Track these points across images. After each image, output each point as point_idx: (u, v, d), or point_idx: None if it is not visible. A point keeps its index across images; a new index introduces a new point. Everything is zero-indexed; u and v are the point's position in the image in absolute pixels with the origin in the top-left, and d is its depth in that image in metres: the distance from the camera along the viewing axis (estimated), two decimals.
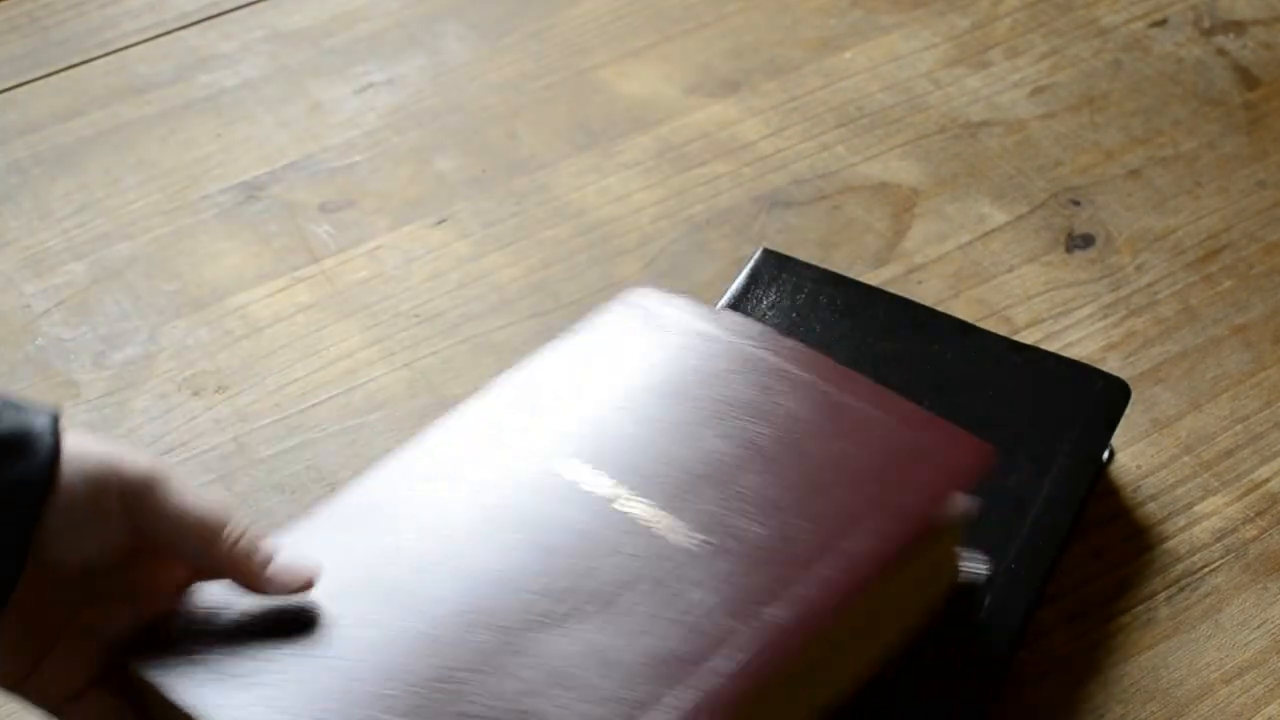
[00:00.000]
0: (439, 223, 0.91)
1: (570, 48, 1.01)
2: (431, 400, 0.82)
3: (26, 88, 0.98)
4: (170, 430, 0.81)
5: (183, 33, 1.01)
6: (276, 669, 0.58)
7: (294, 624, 0.60)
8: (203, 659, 0.59)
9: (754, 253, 0.83)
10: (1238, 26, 1.04)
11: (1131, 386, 0.78)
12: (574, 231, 0.91)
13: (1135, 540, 0.78)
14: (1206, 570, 0.77)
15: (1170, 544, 0.78)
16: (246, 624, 0.60)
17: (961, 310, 0.87)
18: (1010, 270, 0.90)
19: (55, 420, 0.58)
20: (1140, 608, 0.75)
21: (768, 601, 0.58)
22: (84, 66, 0.99)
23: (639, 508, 0.62)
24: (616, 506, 0.62)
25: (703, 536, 0.61)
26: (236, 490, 0.78)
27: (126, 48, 1.00)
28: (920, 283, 0.89)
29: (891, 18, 1.04)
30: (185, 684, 0.58)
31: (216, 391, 0.82)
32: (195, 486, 0.60)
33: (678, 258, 0.90)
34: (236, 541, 0.60)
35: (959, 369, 0.78)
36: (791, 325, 0.80)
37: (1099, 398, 0.77)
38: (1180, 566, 0.77)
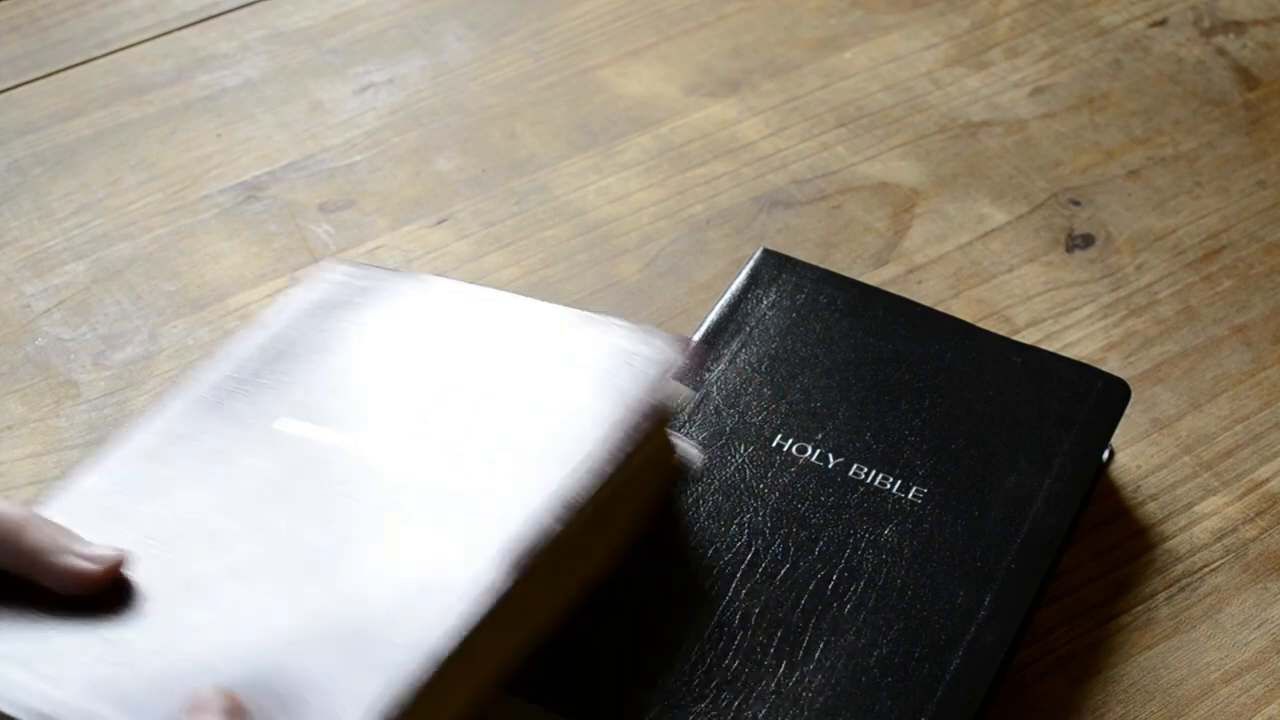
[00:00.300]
0: (439, 223, 0.91)
1: (570, 48, 1.01)
2: None
3: (26, 88, 0.98)
4: None
5: (183, 33, 1.01)
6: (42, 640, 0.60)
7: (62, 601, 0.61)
8: None
9: (754, 253, 0.83)
10: (1238, 26, 1.04)
11: (1131, 386, 0.78)
12: (574, 231, 0.91)
13: (1135, 540, 0.78)
14: (1206, 570, 0.77)
15: (1170, 544, 0.78)
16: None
17: (961, 310, 0.87)
18: (1010, 270, 0.90)
19: None
20: (1140, 608, 0.75)
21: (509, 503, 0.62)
22: (84, 66, 0.99)
23: (373, 452, 0.65)
24: (352, 452, 0.66)
25: (446, 462, 0.64)
26: None
27: (126, 48, 1.00)
28: (920, 283, 0.89)
29: (891, 18, 1.04)
30: None
31: None
32: None
33: (678, 258, 0.90)
34: (39, 531, 0.62)
35: (959, 369, 0.78)
36: (791, 325, 0.80)
37: (1099, 398, 0.77)
38: (1180, 566, 0.77)
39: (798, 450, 0.74)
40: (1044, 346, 0.82)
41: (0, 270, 0.88)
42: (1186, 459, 0.81)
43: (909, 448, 0.75)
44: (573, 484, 0.62)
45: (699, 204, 0.92)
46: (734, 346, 0.79)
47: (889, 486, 0.73)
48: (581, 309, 0.86)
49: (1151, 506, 0.79)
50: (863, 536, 0.71)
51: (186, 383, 0.71)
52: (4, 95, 0.97)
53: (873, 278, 0.88)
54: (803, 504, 0.72)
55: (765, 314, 0.80)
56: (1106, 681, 0.73)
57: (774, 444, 0.75)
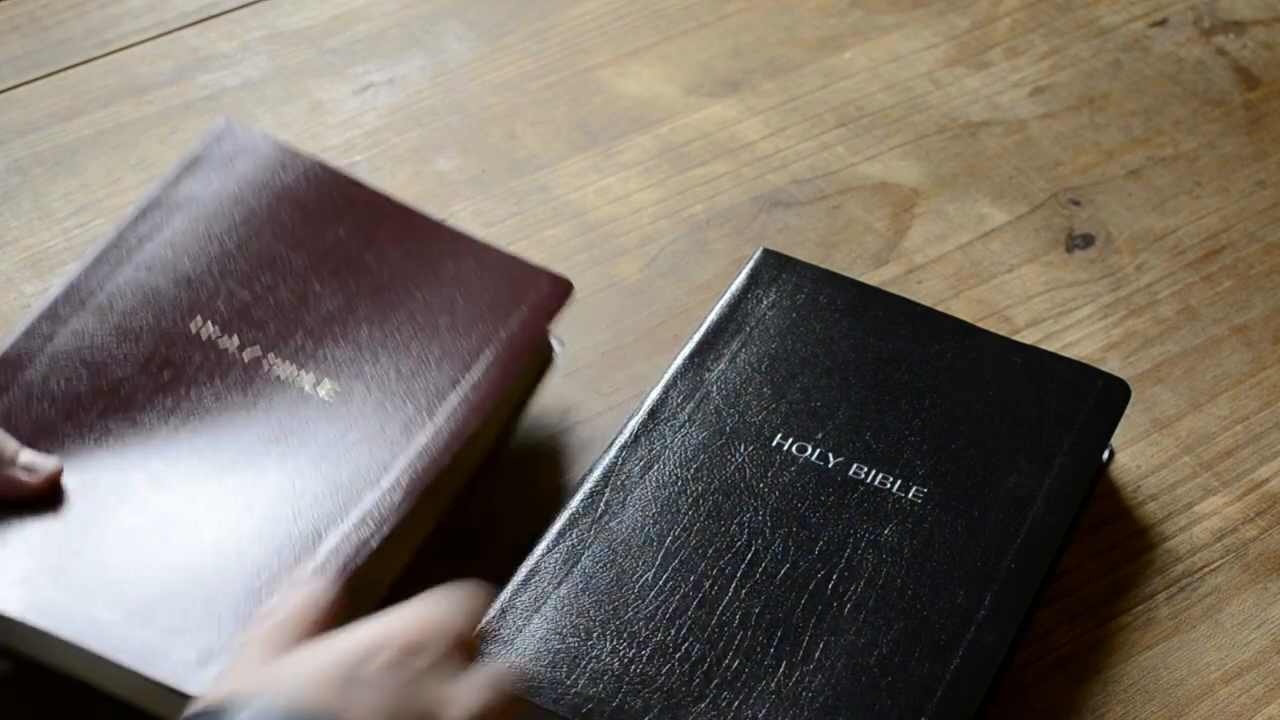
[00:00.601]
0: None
1: (570, 48, 1.01)
2: None
3: (26, 88, 0.98)
4: None
5: (183, 33, 1.01)
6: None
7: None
8: None
9: (754, 252, 0.83)
10: (1238, 26, 1.04)
11: (1131, 386, 0.78)
12: (574, 231, 0.91)
13: (1135, 540, 0.78)
14: (1206, 570, 0.77)
15: (1170, 544, 0.78)
16: None
17: (961, 310, 0.87)
18: (1010, 270, 0.90)
19: None
20: (1140, 608, 0.75)
21: (411, 432, 0.71)
22: (84, 66, 0.99)
23: (280, 367, 0.73)
24: (260, 367, 0.73)
25: (339, 385, 0.73)
26: None
27: (126, 48, 1.00)
28: (920, 283, 0.89)
29: (891, 18, 1.04)
30: None
31: None
32: None
33: (678, 258, 0.90)
34: None
35: (959, 369, 0.78)
36: (791, 325, 0.80)
37: (1099, 398, 0.77)
38: (1180, 566, 0.77)
39: (798, 449, 0.74)
40: (1044, 346, 0.83)
41: (0, 270, 0.88)
42: (1186, 459, 0.81)
43: (909, 447, 0.75)
44: (462, 418, 0.72)
45: (699, 204, 0.92)
46: (734, 346, 0.79)
47: (889, 486, 0.73)
48: (580, 309, 0.86)
49: (1151, 506, 0.79)
50: (863, 536, 0.71)
51: None
52: (4, 95, 0.97)
53: (873, 278, 0.88)
54: (803, 503, 0.72)
55: (765, 314, 0.80)
56: (1106, 681, 0.73)
57: (774, 443, 0.75)
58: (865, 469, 0.74)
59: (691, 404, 0.76)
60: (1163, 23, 1.04)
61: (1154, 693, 0.72)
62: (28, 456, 0.69)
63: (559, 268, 0.88)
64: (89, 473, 0.69)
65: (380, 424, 0.72)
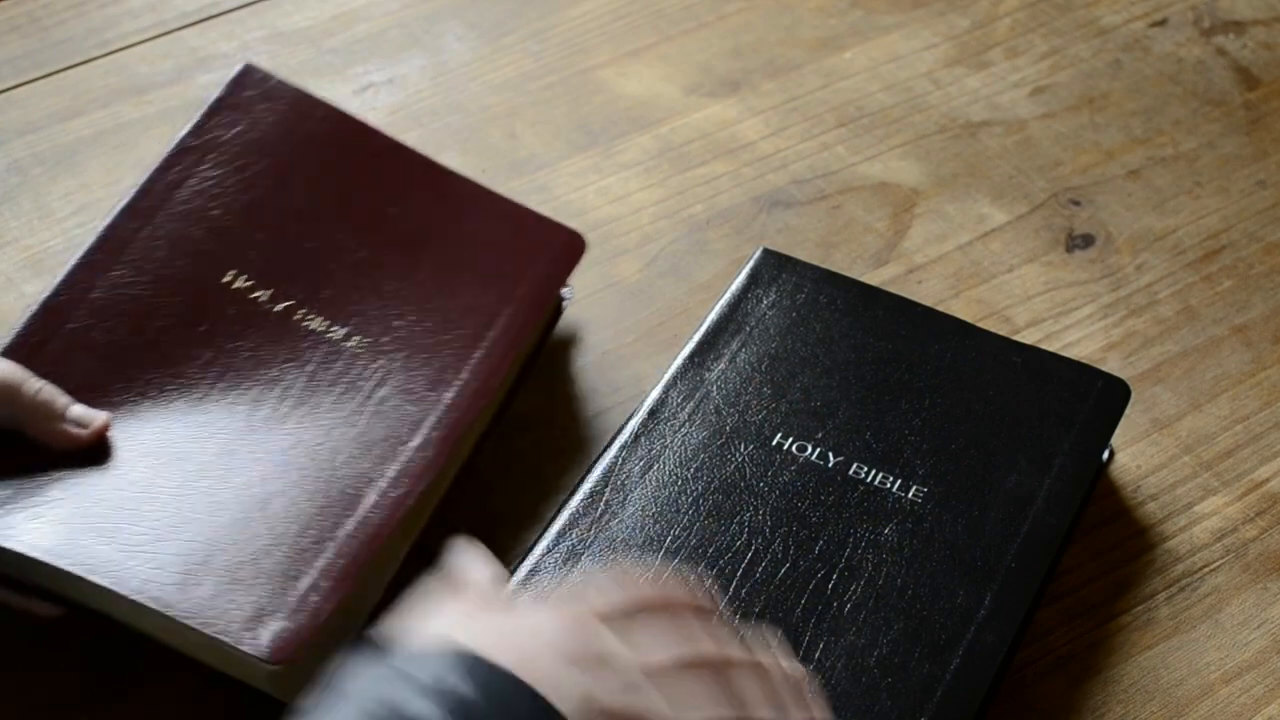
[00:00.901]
0: None
1: (570, 48, 1.01)
2: None
3: (26, 88, 0.98)
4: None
5: (183, 33, 1.01)
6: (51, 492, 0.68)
7: (62, 459, 0.70)
8: None
9: (754, 252, 0.83)
10: (1238, 26, 1.04)
11: (1131, 386, 0.78)
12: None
13: (1135, 540, 0.78)
14: (1206, 570, 0.77)
15: (1170, 544, 0.78)
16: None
17: (961, 310, 0.87)
18: (1010, 270, 0.90)
19: None
20: (1140, 608, 0.75)
21: (439, 389, 0.73)
22: (84, 66, 0.99)
23: (312, 320, 0.75)
24: (292, 319, 0.75)
25: (369, 339, 0.74)
26: None
27: (126, 48, 1.00)
28: (920, 283, 0.89)
29: (891, 18, 1.04)
30: None
31: None
32: None
33: (678, 258, 0.90)
34: (38, 393, 0.70)
35: (959, 369, 0.78)
36: (792, 324, 0.80)
37: (1099, 398, 0.77)
38: (1180, 566, 0.77)
39: (798, 449, 0.74)
40: (1044, 346, 0.82)
41: (0, 270, 0.88)
42: (1186, 459, 0.81)
43: (909, 447, 0.75)
44: (486, 373, 0.74)
45: (699, 204, 0.92)
46: (734, 346, 0.79)
47: (889, 486, 0.73)
48: (580, 309, 0.86)
49: (1151, 506, 0.79)
50: (863, 536, 0.71)
51: None
52: (4, 95, 0.97)
53: (873, 278, 0.88)
54: (803, 503, 0.72)
55: (765, 313, 0.80)
56: (1106, 681, 0.73)
57: (774, 443, 0.75)
58: (865, 468, 0.74)
59: (691, 404, 0.76)
60: (1163, 23, 1.04)
61: (1154, 693, 0.72)
62: (78, 410, 0.70)
63: None
64: (134, 426, 0.71)
65: (409, 379, 0.73)
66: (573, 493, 0.73)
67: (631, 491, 0.73)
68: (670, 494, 0.73)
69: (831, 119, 0.97)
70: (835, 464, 0.74)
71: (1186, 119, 0.98)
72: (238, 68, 0.83)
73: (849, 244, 0.91)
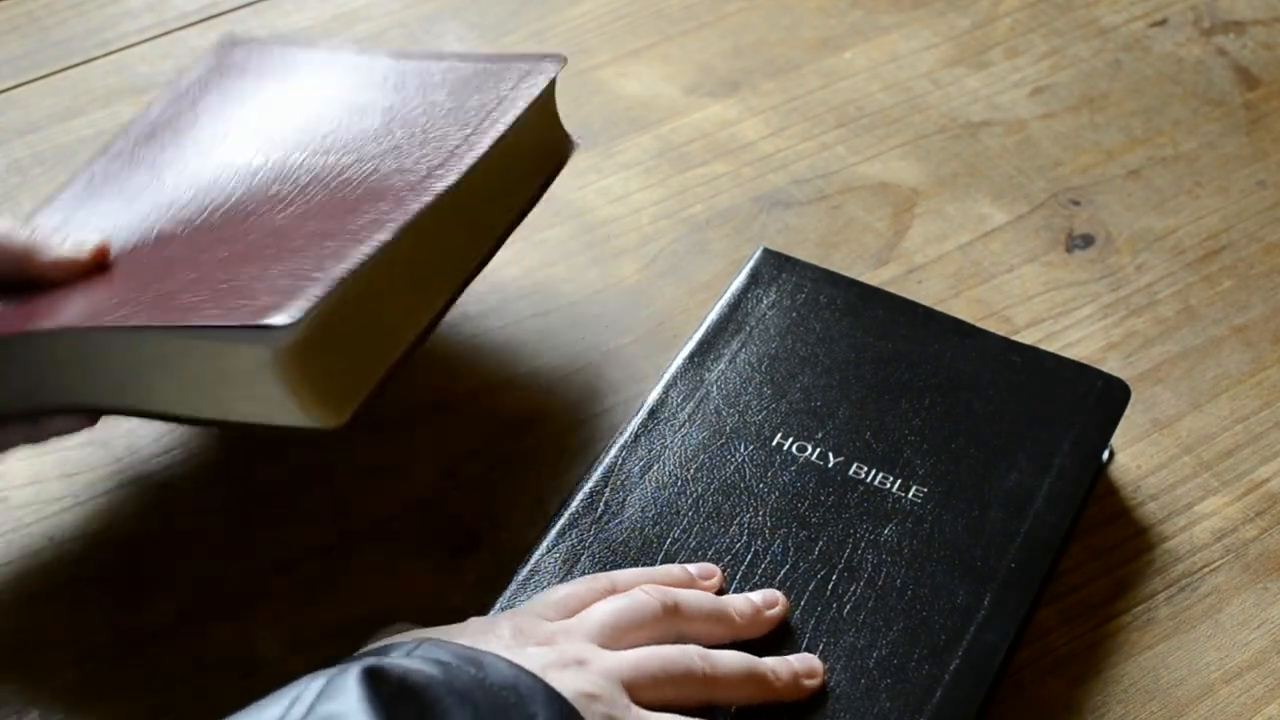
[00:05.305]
0: None
1: (570, 48, 1.01)
2: (432, 400, 0.82)
3: (26, 88, 0.98)
4: (169, 430, 0.81)
5: (183, 33, 1.01)
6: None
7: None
8: None
9: (754, 252, 0.83)
10: (1238, 26, 1.04)
11: (1131, 386, 0.78)
12: (574, 231, 0.91)
13: (1135, 540, 0.78)
14: (1206, 570, 0.77)
15: (1170, 544, 0.78)
16: None
17: (961, 310, 0.87)
18: (1010, 270, 0.90)
19: None
20: (1140, 608, 0.75)
21: (482, 113, 0.75)
22: (84, 66, 0.99)
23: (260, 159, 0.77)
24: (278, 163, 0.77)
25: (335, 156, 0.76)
26: (234, 490, 0.78)
27: (126, 48, 1.00)
28: (920, 283, 0.89)
29: (891, 18, 1.04)
30: None
31: None
32: None
33: (678, 258, 0.90)
34: (29, 235, 0.72)
35: (959, 369, 0.78)
36: (791, 324, 0.80)
37: (1099, 398, 0.77)
38: (1180, 566, 0.77)
39: (798, 449, 0.74)
40: (1044, 346, 0.82)
41: None
42: (1186, 459, 0.81)
43: (909, 447, 0.75)
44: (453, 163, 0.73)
45: (699, 204, 0.92)
46: (734, 346, 0.79)
47: (889, 486, 0.73)
48: (581, 309, 0.86)
49: (1151, 506, 0.79)
50: (862, 536, 0.71)
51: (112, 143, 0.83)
52: (4, 95, 0.97)
53: (873, 278, 0.88)
54: (803, 503, 0.72)
55: (765, 313, 0.80)
56: (1106, 681, 0.73)
57: (774, 443, 0.75)
58: (865, 468, 0.74)
59: (691, 404, 0.76)
60: (1163, 23, 1.04)
61: (1154, 693, 0.72)
62: (72, 240, 0.72)
63: (559, 268, 0.89)
64: (141, 205, 0.77)
65: (460, 102, 0.77)
66: (572, 493, 0.73)
67: (631, 492, 0.73)
68: (670, 495, 0.73)
69: (831, 119, 0.97)
70: (835, 464, 0.74)
71: (1186, 119, 0.98)
72: (220, 39, 0.89)
73: (849, 244, 0.91)
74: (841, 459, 0.74)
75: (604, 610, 0.65)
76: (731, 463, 0.74)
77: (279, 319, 0.63)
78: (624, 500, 0.72)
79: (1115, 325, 0.87)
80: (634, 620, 0.64)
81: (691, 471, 0.73)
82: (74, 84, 0.98)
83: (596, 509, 0.72)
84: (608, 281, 0.88)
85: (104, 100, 0.97)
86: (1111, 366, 0.84)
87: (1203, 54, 1.02)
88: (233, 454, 0.80)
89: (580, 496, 0.73)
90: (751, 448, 0.74)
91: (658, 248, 0.90)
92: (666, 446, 0.74)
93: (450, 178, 0.72)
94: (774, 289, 0.81)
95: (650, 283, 0.88)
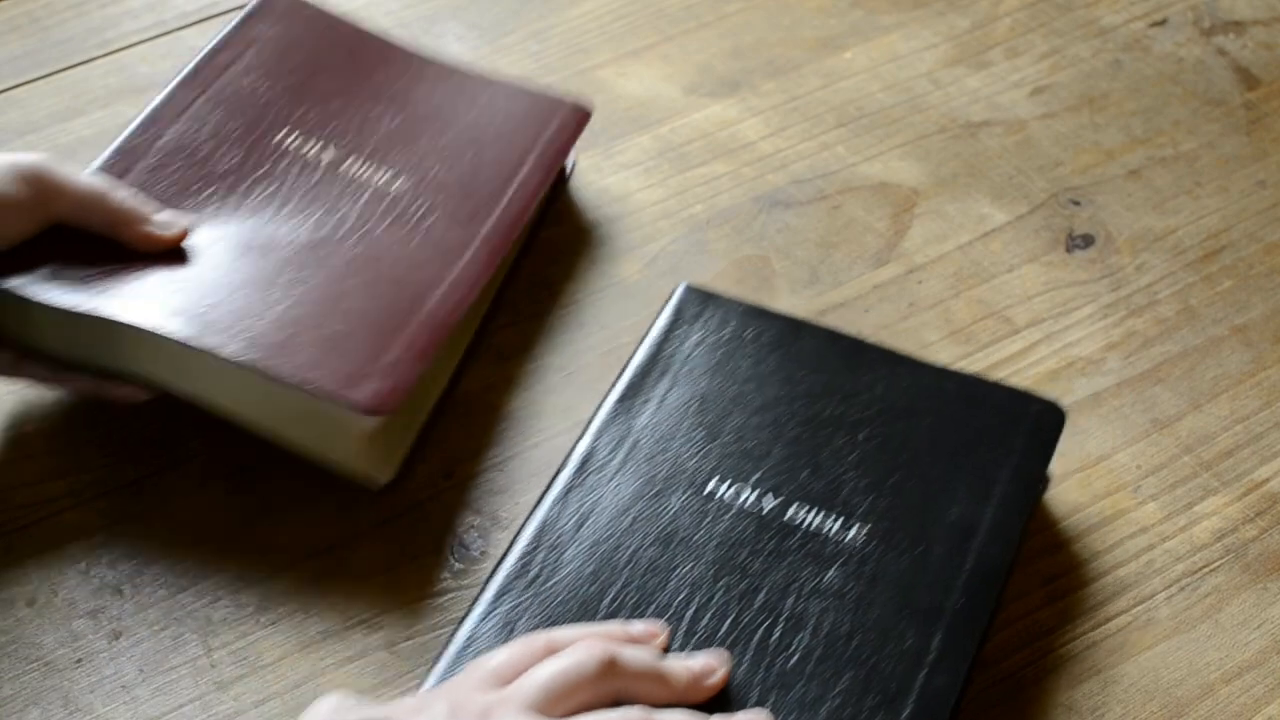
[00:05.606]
0: None
1: (570, 48, 1.01)
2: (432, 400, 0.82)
3: (26, 88, 0.98)
4: (166, 426, 0.81)
5: (183, 33, 1.01)
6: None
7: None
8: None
9: (675, 290, 0.81)
10: (1238, 26, 1.04)
11: (1131, 387, 0.78)
12: (574, 231, 0.91)
13: (1134, 540, 0.78)
14: (1206, 570, 0.77)
15: (1170, 544, 0.78)
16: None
17: (961, 310, 0.87)
18: (1010, 270, 0.90)
19: None
20: (1140, 608, 0.75)
21: (478, 220, 0.83)
22: (84, 66, 0.99)
23: (359, 168, 0.84)
24: (341, 167, 0.84)
25: (411, 182, 0.84)
26: (234, 490, 0.78)
27: (126, 48, 1.00)
28: (920, 283, 0.89)
29: (891, 18, 1.04)
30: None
31: None
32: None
33: (678, 258, 0.90)
34: (125, 199, 0.78)
35: (892, 400, 0.76)
36: (719, 362, 0.77)
37: (1034, 423, 0.75)
38: (1180, 566, 0.77)
39: (734, 494, 0.72)
40: (1044, 346, 0.83)
41: None
42: (1186, 459, 0.81)
43: (847, 484, 0.72)
44: (517, 209, 0.84)
45: (699, 204, 0.92)
46: (661, 388, 0.76)
47: (829, 527, 0.71)
48: (581, 309, 0.86)
49: (1151, 506, 0.79)
50: (806, 583, 0.69)
51: None
52: (4, 95, 0.97)
53: (873, 278, 0.88)
54: (742, 552, 0.70)
55: (691, 352, 0.78)
56: (1106, 681, 0.73)
57: (708, 489, 0.72)
58: (804, 509, 0.71)
59: (621, 452, 0.74)
60: (1163, 23, 1.04)
61: (1154, 693, 0.72)
62: (163, 215, 0.78)
63: (559, 268, 0.89)
64: (210, 234, 0.80)
65: (452, 212, 0.83)
66: (506, 554, 0.70)
67: (566, 550, 0.70)
68: (606, 551, 0.70)
69: (831, 119, 0.97)
70: (773, 508, 0.71)
71: (1186, 119, 0.98)
72: None
73: (849, 244, 0.91)
74: (779, 500, 0.72)
75: (540, 676, 0.62)
76: (667, 513, 0.71)
77: (384, 406, 0.73)
78: (559, 560, 0.70)
79: (1115, 325, 0.87)
80: (571, 682, 0.62)
81: (626, 525, 0.71)
82: (74, 84, 0.98)
83: (531, 570, 0.69)
84: (608, 281, 0.88)
85: (104, 100, 0.97)
86: (1111, 366, 0.84)
87: (1203, 54, 1.02)
88: (233, 454, 0.80)
89: (513, 558, 0.70)
90: (687, 495, 0.72)
91: (658, 248, 0.90)
92: (599, 500, 0.72)
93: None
94: (699, 326, 0.79)
95: (650, 283, 0.88)
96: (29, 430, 0.80)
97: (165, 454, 0.80)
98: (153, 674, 0.72)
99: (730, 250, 0.90)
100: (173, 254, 0.78)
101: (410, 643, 0.73)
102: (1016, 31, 1.03)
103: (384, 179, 0.84)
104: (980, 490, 0.72)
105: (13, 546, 0.76)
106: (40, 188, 0.76)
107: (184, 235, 0.78)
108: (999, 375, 0.84)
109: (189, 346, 0.74)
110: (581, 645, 0.63)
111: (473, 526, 0.77)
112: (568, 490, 0.72)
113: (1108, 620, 0.75)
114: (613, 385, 0.77)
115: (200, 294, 0.76)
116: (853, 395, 0.76)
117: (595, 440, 0.74)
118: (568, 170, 0.92)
